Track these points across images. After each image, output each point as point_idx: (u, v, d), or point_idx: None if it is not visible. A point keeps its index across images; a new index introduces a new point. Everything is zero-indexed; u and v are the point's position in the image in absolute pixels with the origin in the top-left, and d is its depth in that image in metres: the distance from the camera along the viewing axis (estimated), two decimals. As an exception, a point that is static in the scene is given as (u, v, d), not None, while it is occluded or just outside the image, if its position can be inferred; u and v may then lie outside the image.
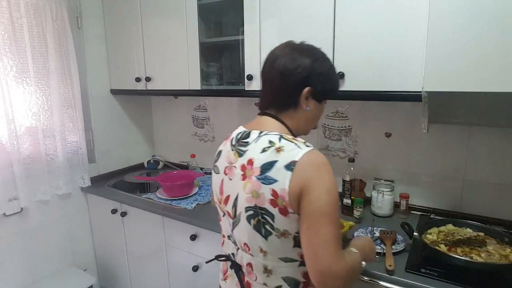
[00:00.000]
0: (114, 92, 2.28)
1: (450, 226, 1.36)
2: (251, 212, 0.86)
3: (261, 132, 0.89)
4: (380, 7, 1.28)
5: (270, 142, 0.85)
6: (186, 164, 2.37)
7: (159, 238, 1.85)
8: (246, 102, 2.10)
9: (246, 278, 0.94)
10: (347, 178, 1.66)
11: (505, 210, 1.46)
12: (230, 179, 0.91)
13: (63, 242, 2.09)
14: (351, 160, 1.67)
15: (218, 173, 0.97)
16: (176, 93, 2.24)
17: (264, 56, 1.56)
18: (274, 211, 0.81)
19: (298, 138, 0.87)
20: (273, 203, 0.81)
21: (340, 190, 1.70)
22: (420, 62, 1.14)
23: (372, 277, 1.16)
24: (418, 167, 1.64)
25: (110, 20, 2.15)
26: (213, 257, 1.16)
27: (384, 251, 1.24)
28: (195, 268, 1.71)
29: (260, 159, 0.84)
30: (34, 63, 1.81)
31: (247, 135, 0.92)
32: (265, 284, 0.90)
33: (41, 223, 1.96)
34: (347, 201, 1.62)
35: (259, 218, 0.84)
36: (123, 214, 1.98)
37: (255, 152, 0.86)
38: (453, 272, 1.11)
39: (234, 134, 0.97)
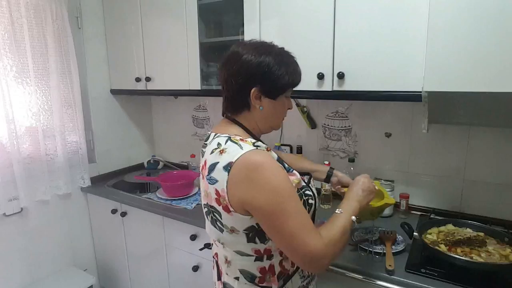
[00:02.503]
0: (114, 92, 2.28)
1: (450, 226, 1.36)
2: (206, 209, 0.95)
3: (215, 135, 0.94)
4: (380, 7, 1.28)
5: (218, 144, 0.89)
6: (186, 164, 2.37)
7: (159, 238, 1.85)
8: (246, 102, 2.09)
9: (220, 266, 1.02)
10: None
11: (505, 210, 1.46)
12: (202, 178, 0.98)
13: (63, 242, 2.09)
14: (351, 160, 1.67)
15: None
16: (176, 93, 2.24)
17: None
18: (220, 209, 0.87)
19: (248, 139, 0.89)
20: (218, 201, 0.87)
21: (340, 190, 1.70)
22: (420, 62, 1.14)
23: (372, 277, 1.16)
24: (418, 167, 1.64)
25: (110, 20, 2.15)
26: (203, 246, 1.27)
27: (384, 251, 1.24)
28: (195, 268, 1.71)
29: (209, 160, 0.89)
30: (34, 63, 1.81)
31: (208, 137, 0.98)
32: (227, 273, 0.97)
33: (41, 223, 1.96)
34: (347, 201, 1.62)
35: (212, 215, 0.92)
36: (123, 214, 1.98)
37: (208, 153, 0.92)
38: (453, 272, 1.11)
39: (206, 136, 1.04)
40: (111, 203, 2.02)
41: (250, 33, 1.59)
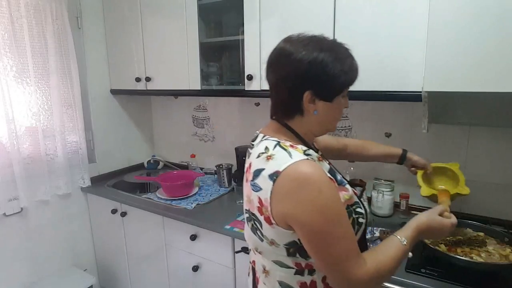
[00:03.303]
0: (114, 92, 2.28)
1: (450, 226, 1.36)
2: (247, 215, 0.87)
3: (263, 137, 0.87)
4: (380, 6, 1.28)
5: (266, 148, 0.82)
6: (186, 164, 2.37)
7: (159, 238, 1.85)
8: (246, 102, 2.10)
9: (256, 274, 0.94)
10: (347, 178, 1.66)
11: (505, 210, 1.46)
12: (245, 181, 0.91)
13: (63, 242, 2.09)
14: (351, 160, 1.67)
15: None
16: (176, 93, 2.24)
17: (264, 56, 1.57)
18: (261, 218, 0.80)
19: (299, 146, 0.82)
20: (260, 210, 0.80)
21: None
22: (420, 62, 1.14)
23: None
24: (418, 167, 1.63)
25: (110, 20, 2.15)
26: (240, 249, 1.19)
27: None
28: (195, 268, 1.71)
29: (254, 165, 0.82)
30: (34, 63, 1.81)
31: (256, 137, 0.91)
32: (264, 283, 0.90)
33: (41, 223, 1.96)
34: (347, 201, 1.62)
35: (253, 223, 0.85)
36: (123, 214, 1.98)
37: (254, 156, 0.84)
38: (453, 272, 1.11)
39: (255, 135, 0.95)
40: (111, 203, 2.02)
41: (250, 33, 1.59)
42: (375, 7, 1.29)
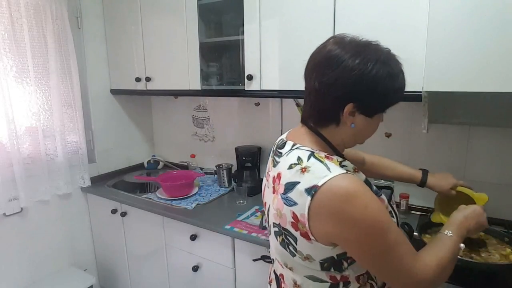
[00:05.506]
0: (114, 92, 2.28)
1: (450, 226, 1.36)
2: (276, 229, 0.81)
3: (293, 145, 0.81)
4: (380, 7, 1.28)
5: (298, 159, 0.76)
6: (186, 164, 2.37)
7: (159, 238, 1.85)
8: (246, 102, 2.10)
9: (283, 285, 0.90)
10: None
11: (505, 210, 1.46)
12: (268, 187, 0.87)
13: (63, 242, 2.09)
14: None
15: (265, 177, 0.92)
16: (176, 93, 2.24)
17: (264, 56, 1.58)
18: (296, 234, 0.75)
19: (334, 157, 0.77)
20: (295, 226, 0.74)
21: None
22: (420, 62, 1.14)
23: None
24: (418, 167, 1.63)
25: (110, 20, 2.15)
26: (259, 257, 1.13)
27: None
28: (195, 268, 1.71)
29: (286, 176, 0.76)
30: (34, 63, 1.81)
31: (283, 145, 0.85)
32: None
33: (41, 223, 1.97)
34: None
35: (283, 238, 0.79)
36: (123, 214, 1.98)
37: (284, 166, 0.78)
38: (453, 272, 1.10)
39: (277, 139, 0.90)
40: (111, 203, 2.02)
41: (250, 33, 1.59)
42: (375, 7, 1.29)
